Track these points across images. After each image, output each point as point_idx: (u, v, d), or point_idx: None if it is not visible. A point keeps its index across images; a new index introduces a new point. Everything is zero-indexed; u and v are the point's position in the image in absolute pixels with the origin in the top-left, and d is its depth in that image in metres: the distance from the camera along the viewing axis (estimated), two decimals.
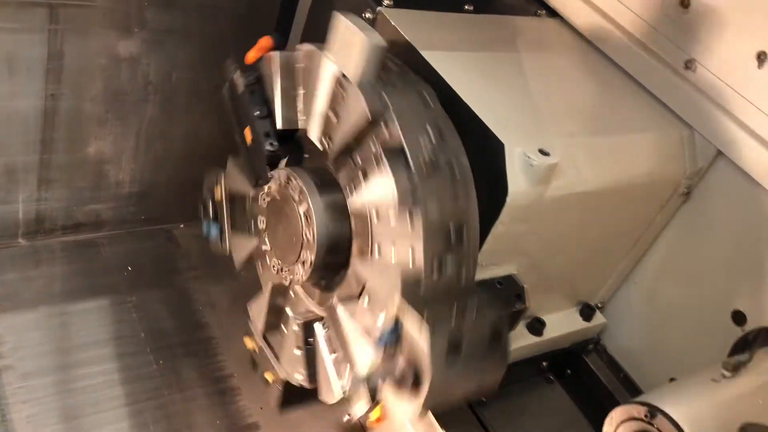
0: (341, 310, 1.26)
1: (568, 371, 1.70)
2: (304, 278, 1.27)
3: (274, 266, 1.36)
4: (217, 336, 1.75)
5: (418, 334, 0.98)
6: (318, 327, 1.31)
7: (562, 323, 1.59)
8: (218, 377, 1.67)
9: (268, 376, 1.44)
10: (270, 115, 1.35)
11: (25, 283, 1.69)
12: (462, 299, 1.05)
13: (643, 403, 1.15)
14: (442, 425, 1.40)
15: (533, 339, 1.53)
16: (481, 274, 1.30)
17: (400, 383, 1.00)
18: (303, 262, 1.26)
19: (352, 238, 1.22)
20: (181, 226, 1.98)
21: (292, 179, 1.26)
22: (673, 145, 1.45)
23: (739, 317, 1.49)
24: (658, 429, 1.12)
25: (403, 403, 1.02)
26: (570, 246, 1.44)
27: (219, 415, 1.59)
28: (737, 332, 1.48)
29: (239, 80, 1.38)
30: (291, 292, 1.43)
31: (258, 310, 1.46)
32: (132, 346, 1.66)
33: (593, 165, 1.32)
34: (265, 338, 1.45)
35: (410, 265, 1.06)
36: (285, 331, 1.41)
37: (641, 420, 1.15)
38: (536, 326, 1.53)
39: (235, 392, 1.65)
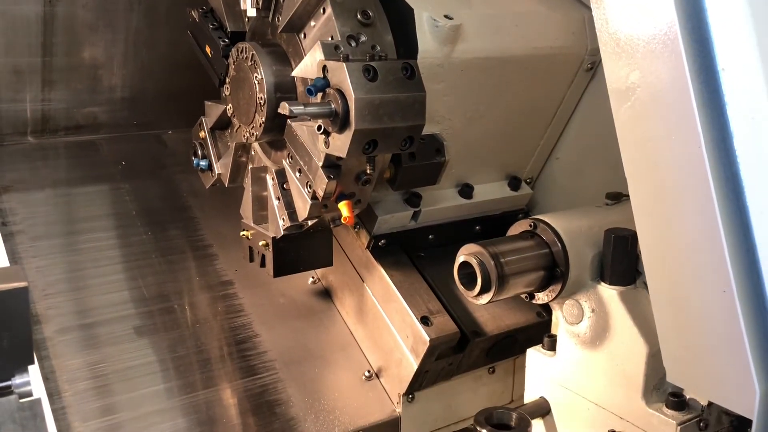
0: (286, 163, 1.52)
1: None
2: (258, 135, 1.55)
3: (236, 126, 1.64)
4: (198, 216, 2.02)
5: (338, 68, 1.24)
6: (267, 178, 1.58)
7: (490, 190, 1.84)
8: (199, 246, 1.95)
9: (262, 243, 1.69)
10: (221, 25, 1.71)
11: (35, 171, 1.98)
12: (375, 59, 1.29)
13: (532, 218, 1.41)
14: (381, 264, 1.70)
15: (463, 201, 1.79)
16: None
17: (334, 122, 1.24)
18: (257, 122, 1.54)
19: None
20: (169, 132, 2.25)
21: (247, 50, 1.54)
22: (575, 23, 1.68)
23: None
24: (540, 236, 1.38)
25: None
26: (488, 115, 1.68)
27: (199, 273, 1.87)
28: None
29: (195, 13, 1.77)
30: (252, 151, 1.70)
31: (224, 166, 1.73)
32: (126, 220, 1.94)
33: (497, 34, 1.56)
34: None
35: (330, 39, 1.33)
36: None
37: (528, 231, 1.41)
38: (466, 190, 1.78)
39: (213, 258, 1.93)
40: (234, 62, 1.60)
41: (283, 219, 1.55)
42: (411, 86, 1.29)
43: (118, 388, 1.56)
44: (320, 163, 1.38)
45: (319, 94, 1.29)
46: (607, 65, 0.98)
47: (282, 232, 1.56)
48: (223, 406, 1.60)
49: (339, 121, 1.25)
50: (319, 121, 1.29)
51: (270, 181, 1.58)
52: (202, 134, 1.85)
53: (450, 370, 1.72)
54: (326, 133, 1.30)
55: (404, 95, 1.28)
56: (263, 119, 1.50)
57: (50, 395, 1.48)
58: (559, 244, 1.35)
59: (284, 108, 1.24)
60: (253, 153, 1.72)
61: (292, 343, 1.78)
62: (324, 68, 1.28)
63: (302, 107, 1.24)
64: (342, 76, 1.24)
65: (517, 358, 1.86)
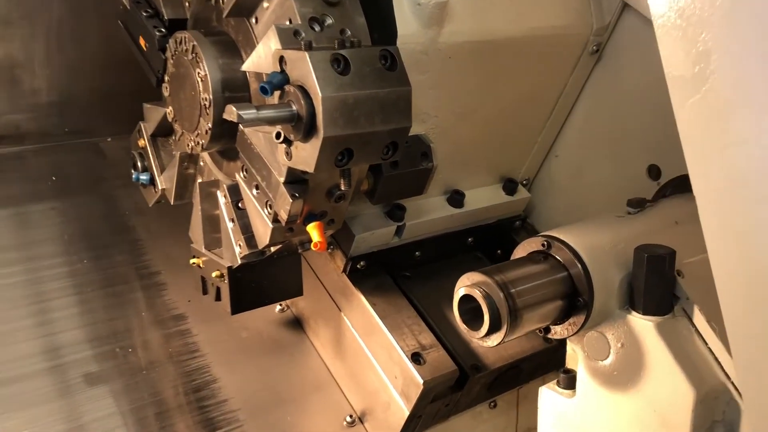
0: (240, 177, 1.25)
1: (499, 251, 1.70)
2: (205, 143, 1.27)
3: (179, 133, 1.36)
4: (143, 238, 1.74)
5: (299, 59, 0.97)
6: (219, 195, 1.30)
7: (483, 196, 1.59)
8: (144, 274, 1.66)
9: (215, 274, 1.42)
10: (157, 12, 1.43)
11: None
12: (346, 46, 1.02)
13: (543, 235, 1.16)
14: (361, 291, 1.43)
15: (453, 210, 1.53)
16: None
17: (296, 128, 0.98)
18: (202, 129, 1.26)
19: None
20: (108, 139, 1.95)
21: (187, 41, 1.25)
22: (577, 0, 1.43)
23: (654, 171, 1.50)
24: (555, 258, 1.13)
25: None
26: (480, 110, 1.43)
27: (146, 307, 1.59)
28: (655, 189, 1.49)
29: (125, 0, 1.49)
30: (201, 162, 1.42)
31: (168, 179, 1.45)
32: (56, 246, 1.65)
33: (489, 13, 1.30)
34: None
35: (287, 23, 1.06)
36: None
37: (539, 252, 1.16)
38: (456, 198, 1.53)
39: (162, 288, 1.65)
40: (172, 56, 1.32)
41: (240, 245, 1.27)
42: (392, 79, 1.02)
43: None
44: (281, 179, 1.10)
45: (277, 93, 1.01)
46: (665, 44, 0.72)
47: (239, 261, 1.29)
48: None
49: (303, 126, 0.97)
50: (278, 128, 1.02)
51: (222, 198, 1.30)
52: (141, 143, 1.56)
53: (446, 411, 1.46)
54: (287, 142, 1.03)
55: (385, 91, 1.01)
56: (210, 124, 1.22)
57: None
58: (579, 266, 1.10)
59: (230, 113, 0.96)
60: (202, 164, 1.44)
61: (258, 386, 1.51)
62: (281, 60, 1.01)
63: (254, 111, 0.96)
64: (304, 68, 0.96)
65: (521, 388, 1.62)
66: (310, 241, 1.27)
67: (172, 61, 1.32)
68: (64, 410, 1.36)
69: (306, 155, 1.00)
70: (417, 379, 1.32)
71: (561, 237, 1.12)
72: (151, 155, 1.54)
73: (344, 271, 1.44)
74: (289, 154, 1.04)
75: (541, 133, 1.60)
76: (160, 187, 1.53)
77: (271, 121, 0.98)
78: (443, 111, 1.36)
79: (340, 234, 1.41)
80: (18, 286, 1.53)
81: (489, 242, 1.67)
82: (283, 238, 1.20)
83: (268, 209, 1.17)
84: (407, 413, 1.36)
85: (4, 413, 1.32)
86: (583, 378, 1.18)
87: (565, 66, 1.48)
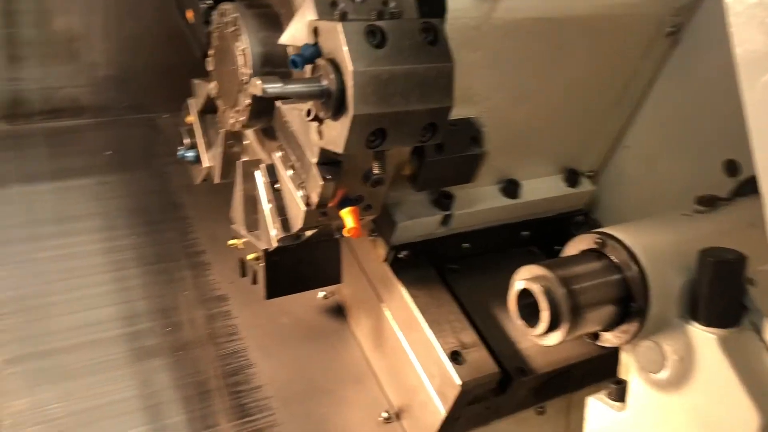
0: (276, 157, 1.19)
1: (557, 247, 1.58)
2: (245, 120, 1.22)
3: (222, 109, 1.32)
4: (191, 216, 1.72)
5: (331, 30, 0.90)
6: (258, 174, 1.25)
7: (541, 187, 1.48)
8: (190, 253, 1.64)
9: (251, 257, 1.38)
10: None
11: (3, 164, 1.70)
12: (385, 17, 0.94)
13: (597, 232, 1.05)
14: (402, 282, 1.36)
15: (507, 201, 1.43)
16: None
17: (326, 104, 0.91)
18: (242, 105, 1.21)
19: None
20: (165, 115, 1.94)
21: (229, 13, 1.20)
22: None
23: (731, 167, 1.35)
24: (609, 258, 1.02)
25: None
26: (539, 93, 1.32)
27: (188, 286, 1.57)
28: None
29: None
30: (245, 140, 1.37)
31: (214, 157, 1.42)
32: (105, 221, 1.65)
33: None
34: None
35: None
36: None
37: (593, 250, 1.05)
38: (510, 188, 1.43)
39: (206, 267, 1.62)
40: (216, 29, 1.27)
41: (276, 228, 1.22)
42: (433, 54, 0.94)
43: None
44: (314, 160, 1.04)
45: (309, 68, 0.94)
46: (735, 22, 0.61)
47: (275, 244, 1.23)
48: None
49: (332, 103, 0.91)
50: (309, 105, 0.95)
51: (260, 178, 1.25)
52: (189, 119, 1.53)
53: (488, 414, 1.38)
54: (318, 120, 0.96)
55: (423, 67, 0.92)
56: (248, 100, 1.17)
57: None
58: (635, 268, 0.99)
59: (255, 86, 0.90)
60: (246, 142, 1.39)
61: (293, 374, 1.46)
62: (315, 31, 0.94)
63: (280, 85, 0.90)
64: (336, 40, 0.89)
65: (573, 394, 1.51)
66: None
67: (216, 35, 1.28)
68: (99, 385, 1.35)
69: (336, 134, 0.93)
70: (455, 379, 1.23)
71: (616, 235, 1.02)
72: (198, 132, 1.51)
73: (386, 260, 1.37)
74: (320, 134, 0.97)
75: (608, 121, 1.48)
76: (205, 165, 1.50)
77: (298, 96, 0.91)
78: (497, 93, 1.26)
79: (382, 221, 1.34)
80: (67, 257, 1.54)
81: (546, 237, 1.56)
82: (317, 222, 1.14)
83: (302, 191, 1.11)
84: (444, 414, 1.28)
85: (42, 384, 1.32)
86: (634, 391, 1.07)
87: (636, 48, 1.35)
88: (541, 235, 1.56)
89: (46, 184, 1.70)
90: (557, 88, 1.34)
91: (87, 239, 1.60)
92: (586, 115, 1.44)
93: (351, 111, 0.89)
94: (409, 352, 1.36)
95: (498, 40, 1.18)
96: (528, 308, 1.00)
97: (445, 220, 1.37)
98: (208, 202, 1.73)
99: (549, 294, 0.96)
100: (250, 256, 1.32)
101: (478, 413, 1.35)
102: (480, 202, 1.41)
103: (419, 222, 1.33)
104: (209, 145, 1.50)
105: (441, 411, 1.28)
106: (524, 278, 1.00)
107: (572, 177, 1.51)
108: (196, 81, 1.49)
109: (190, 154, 1.51)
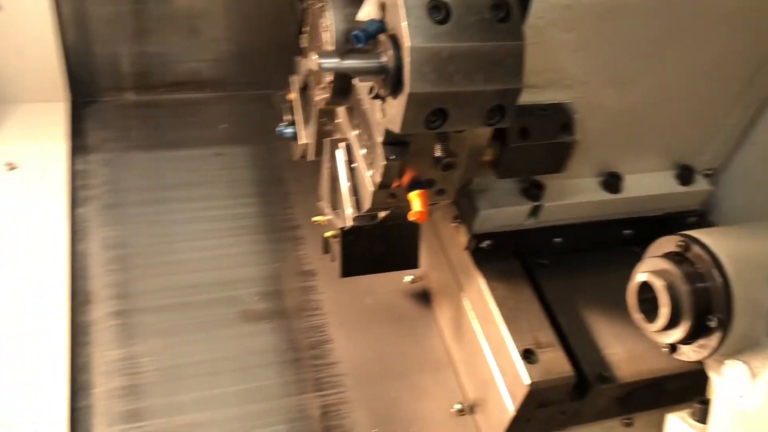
0: (352, 136, 1.18)
1: None
2: (328, 98, 1.22)
3: (312, 86, 1.33)
4: (292, 191, 1.76)
5: (393, 5, 0.86)
6: (339, 153, 1.25)
7: (648, 183, 1.37)
8: (285, 226, 1.68)
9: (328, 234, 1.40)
10: None
11: (126, 131, 1.82)
12: None
13: (681, 234, 0.95)
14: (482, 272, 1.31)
15: (607, 196, 1.33)
16: (520, 98, 1.15)
17: (386, 81, 0.89)
18: (325, 82, 1.21)
19: None
20: (281, 92, 1.98)
21: None
22: None
23: None
24: (693, 264, 0.92)
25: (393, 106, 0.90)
26: (644, 79, 1.21)
27: (279, 259, 1.61)
28: None
29: None
30: (337, 119, 1.38)
31: (310, 134, 1.43)
32: (211, 190, 1.72)
33: None
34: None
35: None
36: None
37: (675, 253, 0.95)
38: (611, 181, 1.33)
39: (299, 242, 1.65)
40: (309, 5, 1.28)
41: (351, 207, 1.21)
42: (502, 32, 0.88)
43: (157, 389, 1.34)
44: (379, 139, 1.02)
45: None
46: None
47: (350, 223, 1.23)
48: (264, 426, 1.32)
49: (390, 80, 0.88)
50: (373, 82, 0.93)
51: (341, 156, 1.25)
52: (291, 96, 1.56)
53: (563, 419, 1.30)
54: (381, 98, 0.94)
55: (489, 45, 0.87)
56: (331, 78, 1.17)
57: (78, 390, 1.30)
58: (719, 277, 0.89)
59: (311, 60, 0.89)
60: (338, 121, 1.40)
61: (371, 355, 1.46)
62: (382, 6, 0.91)
63: (336, 60, 0.88)
64: (397, 15, 0.86)
65: (668, 409, 1.39)
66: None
67: (309, 11, 1.29)
68: (188, 344, 1.42)
69: (394, 113, 0.90)
70: (524, 378, 1.17)
71: (702, 239, 0.92)
72: (298, 109, 1.54)
73: (467, 248, 1.32)
74: (383, 112, 0.95)
75: (732, 114, 1.33)
76: (301, 142, 1.52)
77: (355, 72, 0.89)
78: (595, 78, 1.17)
79: (465, 207, 1.30)
80: (176, 222, 1.63)
81: (652, 237, 1.43)
82: (385, 203, 1.12)
83: (371, 171, 1.09)
84: (512, 414, 1.22)
85: (138, 338, 1.41)
86: (717, 412, 0.97)
87: (764, 31, 1.20)
88: (646, 235, 1.42)
89: (167, 152, 1.80)
90: (669, 75, 1.22)
91: (195, 206, 1.68)
92: (703, 107, 1.30)
93: (407, 89, 0.85)
94: (484, 346, 1.31)
95: (595, 21, 1.09)
96: (647, 303, 0.98)
97: (534, 211, 1.30)
98: (309, 179, 1.75)
99: (672, 290, 0.94)
100: (328, 233, 1.32)
101: (553, 417, 1.27)
102: (575, 195, 1.32)
103: (504, 211, 1.27)
104: (307, 123, 1.52)
105: (510, 410, 1.23)
106: (646, 271, 0.98)
107: (685, 174, 1.38)
108: (297, 58, 1.51)
109: (289, 130, 1.54)
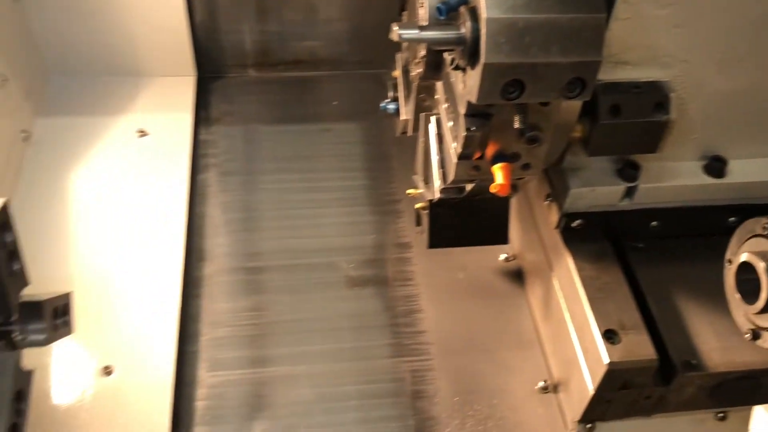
0: (442, 109, 1.21)
1: None
2: (422, 72, 1.25)
3: (410, 62, 1.37)
4: (395, 167, 1.81)
5: None
6: (431, 125, 1.28)
7: (756, 169, 1.30)
8: (386, 200, 1.74)
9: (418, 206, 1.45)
10: None
11: (247, 105, 1.95)
12: None
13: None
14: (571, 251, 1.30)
15: (710, 180, 1.28)
16: (613, 74, 1.13)
17: (464, 53, 0.91)
18: (419, 56, 1.25)
19: None
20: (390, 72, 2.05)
21: None
22: None
23: None
24: None
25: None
26: (753, 57, 1.14)
27: (377, 230, 1.67)
28: None
29: None
30: (436, 95, 1.41)
31: (410, 110, 1.48)
32: (319, 163, 1.81)
33: None
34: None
35: None
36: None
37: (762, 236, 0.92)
38: (715, 165, 1.28)
39: (398, 215, 1.71)
40: None
41: (439, 179, 1.25)
42: (580, 3, 0.88)
43: (257, 342, 1.45)
44: (462, 110, 1.04)
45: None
46: None
47: (437, 195, 1.26)
48: (352, 383, 1.39)
49: (468, 51, 0.90)
50: (454, 54, 0.96)
51: (433, 129, 1.28)
52: (395, 73, 1.61)
53: (648, 404, 1.27)
54: (461, 69, 0.96)
55: (567, 17, 0.87)
56: (423, 52, 1.20)
57: (187, 337, 1.43)
58: None
59: (393, 32, 0.93)
60: (437, 96, 1.43)
61: (459, 327, 1.49)
62: None
63: (416, 31, 0.92)
64: None
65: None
66: (515, 186, 1.21)
67: None
68: (288, 303, 1.52)
69: (472, 84, 0.93)
70: (603, 357, 1.16)
71: None
72: (400, 86, 1.59)
73: (557, 226, 1.32)
74: (464, 83, 0.98)
75: None
76: (403, 118, 1.57)
77: (434, 43, 0.93)
78: (696, 55, 1.13)
79: (557, 186, 1.30)
80: (285, 191, 1.73)
81: None
82: (469, 175, 1.14)
83: (456, 143, 1.12)
84: (591, 393, 1.22)
85: (242, 294, 1.53)
86: None
87: None
88: None
89: (281, 126, 1.91)
90: None
91: (304, 177, 1.78)
92: None
93: (482, 59, 0.88)
94: (570, 326, 1.31)
95: None
96: (747, 284, 1.00)
97: (629, 193, 1.28)
98: (412, 156, 1.81)
99: None
100: (418, 205, 1.37)
101: (636, 401, 1.25)
102: (674, 178, 1.28)
103: (597, 191, 1.26)
104: (408, 99, 1.56)
105: (589, 389, 1.22)
106: (749, 251, 0.98)
107: None
108: None
109: (392, 106, 1.59)
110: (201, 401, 1.35)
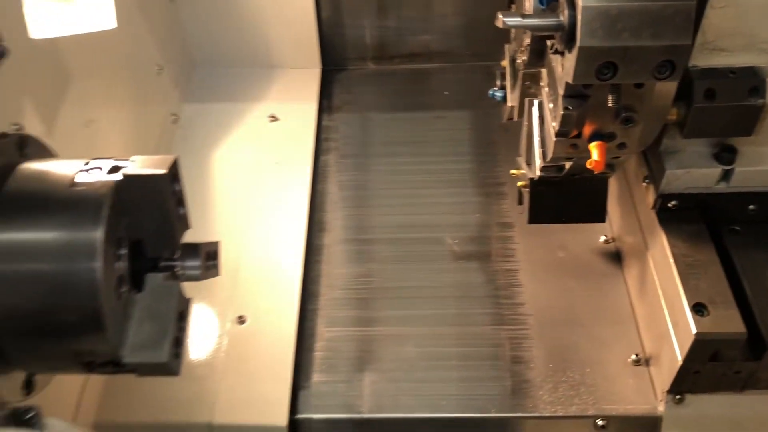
0: (544, 93, 1.31)
1: None
2: (526, 60, 1.37)
3: (516, 51, 1.48)
4: (501, 153, 1.92)
5: None
6: (534, 109, 1.39)
7: None
8: (490, 183, 1.85)
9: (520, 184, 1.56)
10: None
11: (365, 95, 2.12)
12: None
13: None
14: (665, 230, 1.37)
15: None
16: (709, 60, 1.20)
17: (563, 38, 1.02)
18: (524, 44, 1.36)
19: None
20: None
21: None
22: None
23: None
24: None
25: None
26: None
27: (481, 210, 1.79)
28: None
29: None
30: (541, 83, 1.51)
31: (516, 97, 1.59)
32: (428, 148, 1.95)
33: None
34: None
35: None
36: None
37: None
38: None
39: (502, 197, 1.82)
40: None
41: (540, 157, 1.35)
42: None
43: (369, 304, 1.61)
44: (561, 92, 1.15)
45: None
46: None
47: (538, 173, 1.37)
48: (453, 346, 1.52)
49: (565, 36, 1.01)
50: (554, 39, 1.07)
51: (535, 112, 1.39)
52: (503, 63, 1.72)
53: (737, 379, 1.32)
54: (560, 53, 1.07)
55: (658, 5, 0.96)
56: (528, 40, 1.31)
57: (309, 296, 1.61)
58: None
59: (498, 19, 1.05)
60: (542, 84, 1.53)
61: (556, 302, 1.59)
62: None
63: (519, 18, 1.04)
64: None
65: None
66: (611, 166, 1.30)
67: None
68: (395, 272, 1.66)
69: (569, 66, 1.03)
70: (691, 328, 1.23)
71: None
72: (508, 74, 1.70)
73: (653, 207, 1.39)
74: (562, 66, 1.08)
75: None
76: (509, 104, 1.68)
77: (535, 29, 1.04)
78: None
79: (654, 167, 1.37)
80: (397, 172, 1.88)
81: None
82: (567, 153, 1.24)
83: (555, 123, 1.22)
84: (680, 362, 1.28)
85: (356, 262, 1.69)
86: None
87: None
88: None
89: (396, 114, 2.07)
90: None
91: (416, 160, 1.93)
92: None
93: (578, 43, 0.98)
94: (662, 301, 1.37)
95: None
96: None
97: (725, 176, 1.33)
98: (517, 142, 1.91)
99: None
100: (520, 183, 1.48)
101: (725, 375, 1.30)
102: None
103: (693, 173, 1.32)
104: (514, 87, 1.67)
105: (678, 359, 1.29)
106: None
107: None
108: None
109: (499, 93, 1.71)
110: (319, 352, 1.52)
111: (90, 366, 0.95)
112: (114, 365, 0.94)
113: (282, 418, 1.39)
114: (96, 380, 1.43)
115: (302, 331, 1.54)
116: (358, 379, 1.48)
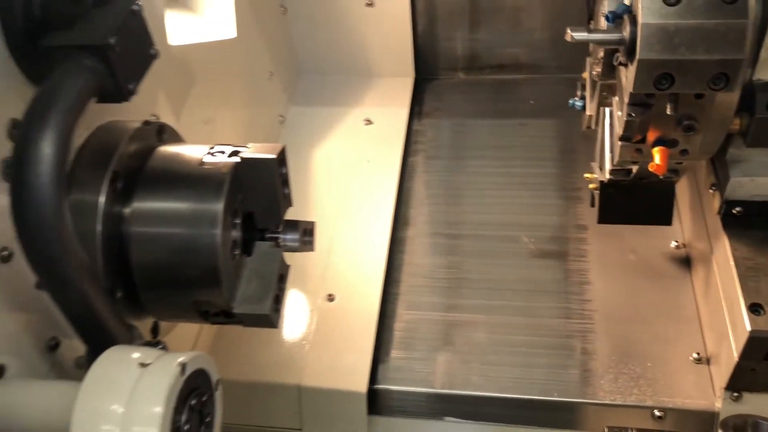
0: (615, 101, 1.42)
1: None
2: (600, 71, 1.48)
3: (590, 63, 1.60)
4: (580, 159, 2.02)
5: None
6: (606, 116, 1.50)
7: None
8: (568, 187, 1.96)
9: (592, 186, 1.67)
10: None
11: (454, 103, 2.27)
12: None
13: None
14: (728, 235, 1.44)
15: None
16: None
17: (625, 51, 1.14)
18: (598, 57, 1.47)
19: None
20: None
21: None
22: None
23: None
24: None
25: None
26: None
27: (558, 213, 1.90)
28: None
29: None
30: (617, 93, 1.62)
31: (594, 107, 1.70)
32: (511, 152, 2.08)
33: None
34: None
35: None
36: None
37: None
38: None
39: (578, 201, 1.92)
40: None
41: (609, 161, 1.46)
42: (727, 11, 1.06)
43: (447, 292, 1.75)
44: (626, 100, 1.26)
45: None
46: None
47: (607, 176, 1.48)
48: (523, 334, 1.64)
49: (627, 50, 1.13)
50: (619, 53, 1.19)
51: (607, 120, 1.50)
52: (584, 74, 1.83)
53: None
54: (623, 65, 1.19)
55: (712, 22, 1.07)
56: (602, 53, 1.43)
57: (391, 281, 1.77)
58: None
59: (567, 34, 1.18)
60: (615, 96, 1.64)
61: (623, 300, 1.68)
62: None
63: (585, 33, 1.16)
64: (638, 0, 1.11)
65: None
66: (676, 171, 1.40)
67: (595, 1, 1.55)
68: (474, 265, 1.80)
69: (630, 76, 1.15)
70: (746, 325, 1.30)
71: None
72: (588, 85, 1.80)
73: (719, 212, 1.47)
74: (626, 77, 1.20)
75: None
76: (587, 114, 1.79)
77: (600, 43, 1.17)
78: None
79: (720, 175, 1.45)
80: (482, 174, 2.02)
81: None
82: (632, 157, 1.35)
83: (620, 128, 1.34)
84: (736, 359, 1.35)
85: (440, 255, 1.84)
86: None
87: None
88: None
89: (482, 121, 2.21)
90: None
91: (499, 163, 2.06)
92: None
93: (638, 56, 1.10)
94: (723, 302, 1.45)
95: None
96: None
97: None
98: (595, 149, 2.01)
99: None
100: (591, 185, 1.58)
101: None
102: None
103: (757, 181, 1.39)
104: (593, 97, 1.78)
105: (734, 356, 1.36)
106: None
107: None
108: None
109: (578, 103, 1.81)
110: (398, 331, 1.68)
111: (205, 315, 1.15)
112: (225, 315, 1.13)
113: (362, 386, 1.56)
114: (204, 342, 1.65)
115: (384, 312, 1.71)
116: (432, 357, 1.63)
